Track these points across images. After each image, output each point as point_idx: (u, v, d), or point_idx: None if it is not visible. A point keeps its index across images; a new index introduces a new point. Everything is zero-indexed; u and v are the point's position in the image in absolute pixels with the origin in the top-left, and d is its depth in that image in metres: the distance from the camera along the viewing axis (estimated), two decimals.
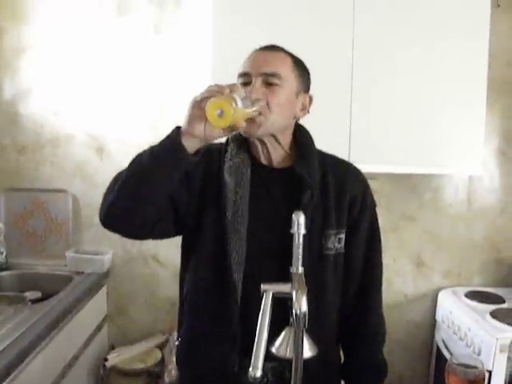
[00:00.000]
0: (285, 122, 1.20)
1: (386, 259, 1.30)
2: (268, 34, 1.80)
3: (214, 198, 1.20)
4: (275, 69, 1.16)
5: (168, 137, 1.07)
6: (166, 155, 1.06)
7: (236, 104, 1.00)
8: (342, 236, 1.23)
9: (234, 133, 1.14)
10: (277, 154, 1.23)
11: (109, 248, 2.42)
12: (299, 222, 0.96)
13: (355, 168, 1.30)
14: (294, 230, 0.97)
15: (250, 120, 1.12)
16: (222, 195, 1.19)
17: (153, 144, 1.10)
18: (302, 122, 1.29)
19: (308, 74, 1.26)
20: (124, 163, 1.12)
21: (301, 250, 0.97)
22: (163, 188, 1.09)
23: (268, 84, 1.15)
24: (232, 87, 1.03)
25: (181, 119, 1.08)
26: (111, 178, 1.13)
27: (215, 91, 1.01)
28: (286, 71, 1.17)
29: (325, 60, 1.89)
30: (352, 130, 1.99)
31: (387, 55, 1.97)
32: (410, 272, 2.47)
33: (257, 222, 1.19)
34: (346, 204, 1.23)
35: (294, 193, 1.19)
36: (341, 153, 1.31)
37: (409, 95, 1.98)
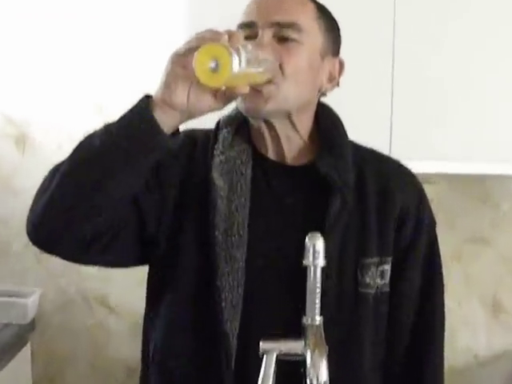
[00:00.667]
0: (305, 96, 1.20)
1: (447, 301, 1.31)
2: None
3: (197, 208, 1.20)
4: (292, 16, 1.15)
5: (133, 109, 1.07)
6: (130, 134, 1.05)
7: (239, 58, 0.98)
8: (387, 267, 1.23)
9: (230, 104, 1.12)
10: (292, 144, 1.24)
11: (34, 286, 2.38)
12: (316, 249, 0.96)
13: (405, 168, 1.31)
14: (309, 261, 0.97)
15: (255, 90, 1.11)
16: (209, 205, 1.19)
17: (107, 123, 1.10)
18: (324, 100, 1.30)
19: (338, 28, 1.26)
20: (56, 159, 1.12)
21: (319, 291, 0.98)
22: (125, 184, 1.09)
23: (282, 39, 1.15)
24: (232, 35, 1.02)
25: (141, 95, 1.08)
26: (39, 179, 1.13)
27: (207, 38, 1.00)
28: (308, 21, 1.18)
29: (356, 24, 1.87)
30: (394, 113, 1.99)
31: (441, 19, 1.99)
32: (483, 320, 2.44)
33: (261, 245, 1.19)
34: (392, 220, 1.23)
35: (317, 202, 1.20)
36: (378, 144, 1.33)
37: (476, 62, 1.99)
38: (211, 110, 1.08)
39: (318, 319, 0.98)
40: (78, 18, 2.39)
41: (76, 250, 1.15)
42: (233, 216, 1.18)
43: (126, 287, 2.38)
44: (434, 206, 1.32)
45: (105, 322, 2.45)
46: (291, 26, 1.15)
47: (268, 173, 1.24)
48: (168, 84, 1.03)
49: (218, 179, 1.20)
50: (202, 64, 0.97)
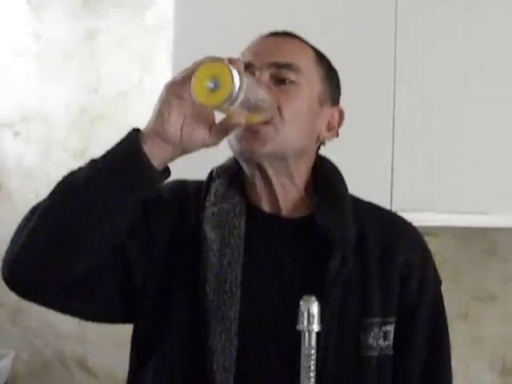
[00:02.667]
0: (302, 142, 1.21)
1: (453, 363, 1.29)
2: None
3: (187, 262, 1.19)
4: (290, 57, 1.19)
5: (121, 142, 1.07)
6: (117, 167, 1.05)
7: (240, 78, 0.99)
8: (390, 328, 1.22)
9: (228, 136, 1.13)
10: (287, 194, 1.24)
11: (7, 347, 2.37)
12: (310, 312, 0.95)
13: (408, 223, 1.31)
14: (303, 326, 0.95)
15: (252, 131, 1.13)
16: (199, 259, 1.18)
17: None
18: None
19: (337, 78, 1.30)
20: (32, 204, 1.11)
21: (314, 357, 0.96)
22: (110, 223, 1.07)
23: (279, 81, 1.18)
24: (233, 61, 1.03)
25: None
26: (12, 227, 1.11)
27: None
28: (307, 63, 1.21)
29: (356, 74, 1.92)
30: (395, 164, 2.00)
31: (442, 67, 2.01)
32: None
33: (255, 304, 1.17)
34: (396, 278, 1.23)
35: (316, 258, 1.19)
36: (379, 196, 1.34)
37: (478, 112, 2.00)
38: (205, 144, 1.08)
39: None
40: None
41: (57, 295, 1.11)
42: (225, 271, 1.16)
43: (105, 348, 2.38)
44: (437, 261, 1.31)
45: None
46: (289, 66, 1.18)
47: (263, 226, 1.23)
48: (161, 113, 1.04)
49: (210, 232, 1.19)
50: (200, 82, 0.99)
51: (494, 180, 2.00)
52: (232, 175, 1.25)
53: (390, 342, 1.21)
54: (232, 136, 1.15)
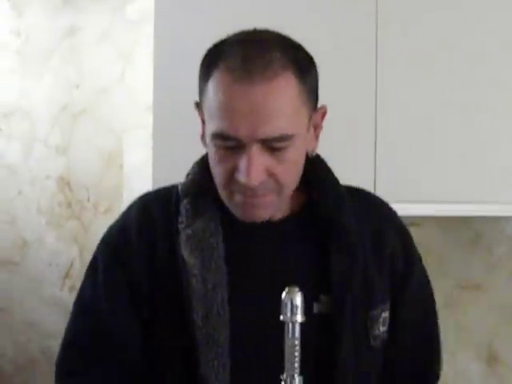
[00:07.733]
0: (300, 175, 1.19)
1: None
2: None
3: (171, 294, 1.17)
4: (280, 128, 1.08)
5: None
6: None
7: None
8: (387, 314, 1.24)
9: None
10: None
11: None
12: (293, 303, 0.94)
13: (390, 208, 1.33)
14: (286, 316, 0.95)
15: (251, 204, 1.12)
16: (183, 287, 1.16)
17: None
18: None
19: (316, 76, 1.18)
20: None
21: (297, 349, 0.95)
22: None
23: (271, 149, 1.10)
24: None
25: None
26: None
27: None
28: (295, 116, 1.11)
29: (338, 65, 1.95)
30: (378, 154, 2.01)
31: (424, 58, 2.03)
32: (477, 373, 2.42)
33: (246, 323, 1.16)
34: (386, 265, 1.24)
35: (313, 257, 1.20)
36: (362, 187, 1.34)
37: (461, 102, 2.02)
38: None
39: (298, 379, 0.95)
40: None
41: None
42: (210, 296, 1.15)
43: None
44: (422, 251, 1.32)
45: None
46: (280, 139, 1.09)
47: (246, 236, 1.20)
48: None
49: (189, 257, 1.16)
50: None
51: (477, 169, 2.02)
52: (199, 190, 1.21)
53: (386, 326, 1.23)
54: (229, 202, 1.15)
